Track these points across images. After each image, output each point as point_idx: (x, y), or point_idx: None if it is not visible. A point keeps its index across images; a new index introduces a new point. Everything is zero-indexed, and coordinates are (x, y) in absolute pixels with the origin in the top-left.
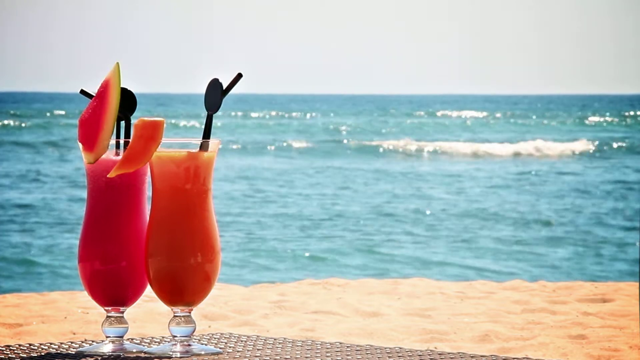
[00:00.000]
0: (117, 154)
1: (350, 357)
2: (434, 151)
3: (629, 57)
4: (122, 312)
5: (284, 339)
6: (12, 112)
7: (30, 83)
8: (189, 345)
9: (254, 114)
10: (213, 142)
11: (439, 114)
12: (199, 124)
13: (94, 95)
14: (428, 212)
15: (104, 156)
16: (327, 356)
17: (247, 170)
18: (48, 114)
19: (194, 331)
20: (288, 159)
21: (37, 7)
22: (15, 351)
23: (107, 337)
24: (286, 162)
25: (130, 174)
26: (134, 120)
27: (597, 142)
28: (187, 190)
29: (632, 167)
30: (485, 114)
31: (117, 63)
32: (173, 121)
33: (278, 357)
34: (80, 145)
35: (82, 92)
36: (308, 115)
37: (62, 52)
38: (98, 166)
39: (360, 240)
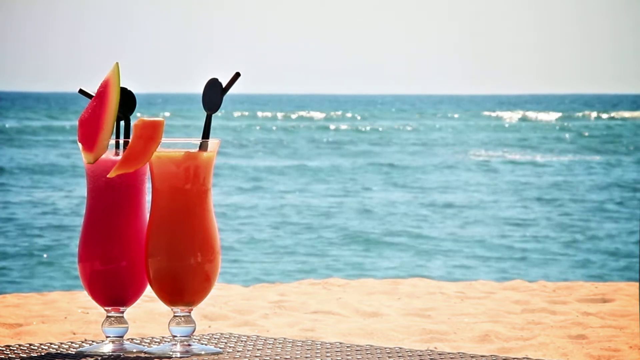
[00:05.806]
0: (116, 154)
1: (350, 357)
2: None
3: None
4: (122, 312)
5: (284, 339)
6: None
7: (30, 83)
8: (189, 345)
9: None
10: (212, 142)
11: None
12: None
13: (93, 95)
14: None
15: (103, 156)
16: (327, 356)
17: None
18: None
19: (194, 331)
20: None
21: (37, 7)
22: (15, 351)
23: (107, 337)
24: None
25: (130, 174)
26: (133, 120)
27: None
28: (187, 190)
29: None
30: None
31: (117, 63)
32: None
33: (278, 357)
34: (80, 145)
35: (81, 91)
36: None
37: (61, 52)
38: (98, 166)
39: None
